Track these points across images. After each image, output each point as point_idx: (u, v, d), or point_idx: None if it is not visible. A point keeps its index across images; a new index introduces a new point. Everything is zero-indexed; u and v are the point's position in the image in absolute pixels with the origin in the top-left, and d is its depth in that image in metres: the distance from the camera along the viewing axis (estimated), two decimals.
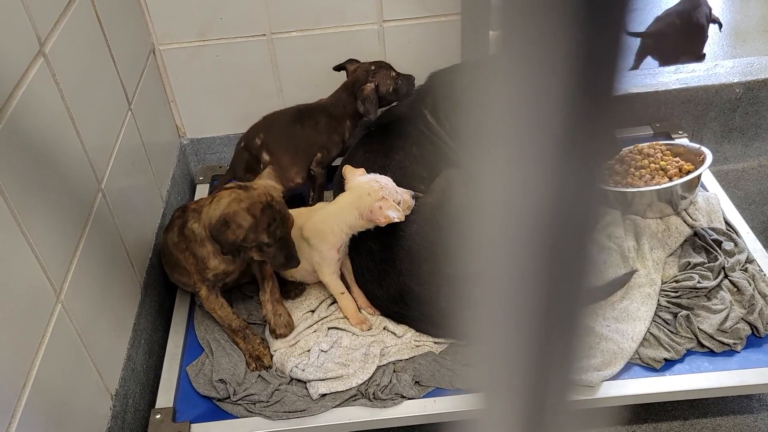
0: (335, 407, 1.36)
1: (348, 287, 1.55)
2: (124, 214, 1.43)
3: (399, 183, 1.48)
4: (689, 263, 1.55)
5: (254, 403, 1.37)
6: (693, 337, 1.42)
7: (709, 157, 1.65)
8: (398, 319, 1.50)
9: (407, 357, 1.43)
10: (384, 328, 1.49)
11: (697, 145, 1.73)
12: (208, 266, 1.39)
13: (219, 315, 1.45)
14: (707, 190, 1.77)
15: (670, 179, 1.64)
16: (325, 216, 1.48)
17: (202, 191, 1.94)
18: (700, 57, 2.64)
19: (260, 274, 1.51)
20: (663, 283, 1.53)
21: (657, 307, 1.47)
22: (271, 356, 1.44)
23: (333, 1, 1.79)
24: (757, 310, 1.44)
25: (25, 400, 0.97)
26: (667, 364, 1.39)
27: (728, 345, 1.41)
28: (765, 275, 1.53)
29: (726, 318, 1.43)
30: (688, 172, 1.65)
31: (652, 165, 1.70)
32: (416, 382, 1.39)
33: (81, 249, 1.20)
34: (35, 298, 1.04)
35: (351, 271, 1.55)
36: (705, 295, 1.49)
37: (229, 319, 1.45)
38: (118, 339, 1.35)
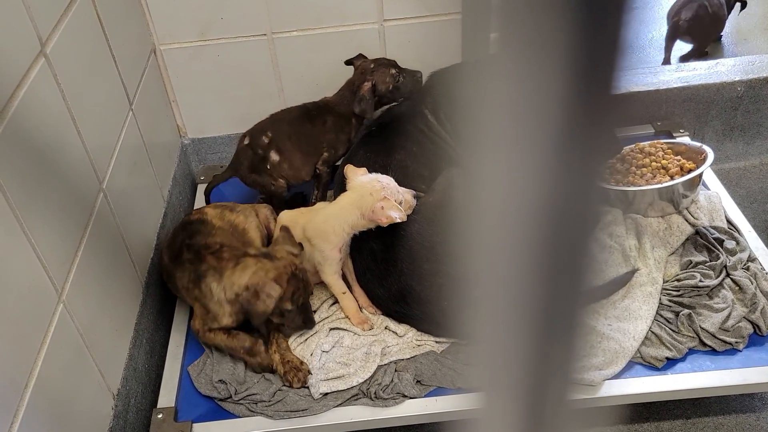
0: (337, 406, 1.36)
1: (349, 287, 1.55)
2: (126, 214, 1.43)
3: (400, 182, 1.48)
4: (691, 262, 1.55)
5: (256, 403, 1.37)
6: (695, 335, 1.42)
7: (711, 156, 1.65)
8: (400, 318, 1.50)
9: (408, 356, 1.43)
10: (385, 328, 1.49)
11: (698, 144, 1.73)
12: (218, 321, 1.39)
13: (227, 345, 1.43)
14: (709, 189, 1.77)
15: (672, 178, 1.64)
16: (326, 216, 1.48)
17: (203, 191, 1.94)
18: (717, 39, 2.76)
19: (266, 327, 1.45)
20: (665, 281, 1.53)
21: (659, 306, 1.47)
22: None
23: (333, 1, 1.79)
24: (759, 309, 1.44)
25: (27, 399, 0.97)
26: (669, 363, 1.39)
27: (730, 344, 1.40)
28: (767, 274, 1.52)
29: (728, 317, 1.43)
30: (690, 171, 1.65)
31: (654, 164, 1.70)
32: (417, 381, 1.39)
33: (82, 249, 1.21)
34: (37, 297, 1.04)
35: (352, 270, 1.55)
36: (707, 294, 1.48)
37: (241, 342, 1.42)
38: (119, 338, 1.35)
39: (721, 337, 1.41)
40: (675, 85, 2.00)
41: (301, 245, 1.50)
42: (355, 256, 1.54)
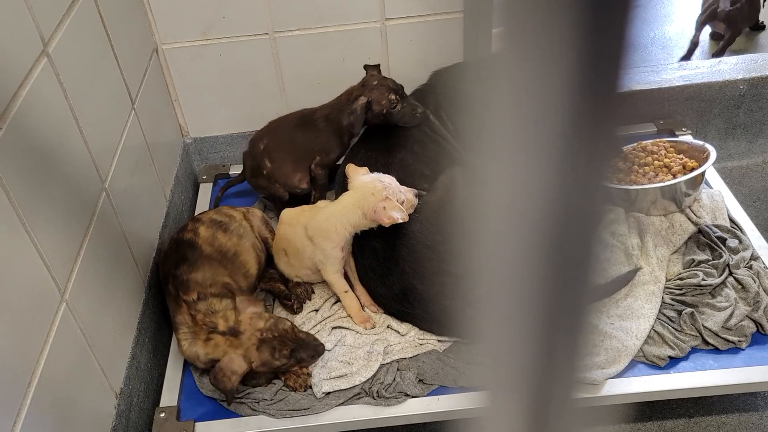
0: (339, 405, 1.36)
1: (351, 286, 1.55)
2: (128, 214, 1.43)
3: (402, 181, 1.48)
4: (693, 260, 1.55)
5: (258, 402, 1.37)
6: (698, 334, 1.42)
7: (713, 154, 1.64)
8: (402, 317, 1.50)
9: (411, 355, 1.43)
10: (388, 327, 1.49)
11: (701, 142, 1.72)
12: (194, 364, 1.41)
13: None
14: (711, 187, 1.76)
15: (674, 176, 1.64)
16: (328, 215, 1.48)
17: (205, 190, 1.95)
18: (760, 28, 2.78)
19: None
20: (667, 280, 1.53)
21: (661, 305, 1.47)
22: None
23: (335, 0, 1.79)
24: (762, 308, 1.44)
25: (30, 398, 0.97)
26: (672, 362, 1.39)
27: (733, 342, 1.40)
28: None
29: (731, 315, 1.43)
30: (692, 169, 1.65)
31: (656, 162, 1.69)
32: (420, 380, 1.39)
33: (85, 248, 1.21)
34: (40, 297, 1.05)
35: (354, 269, 1.55)
36: (709, 293, 1.48)
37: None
38: (122, 338, 1.36)
39: (723, 335, 1.40)
40: (677, 84, 2.00)
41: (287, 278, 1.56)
42: (357, 254, 1.54)
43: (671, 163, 1.68)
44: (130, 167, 1.50)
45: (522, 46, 0.20)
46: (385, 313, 1.52)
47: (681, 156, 1.70)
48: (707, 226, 1.61)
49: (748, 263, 1.54)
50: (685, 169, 1.66)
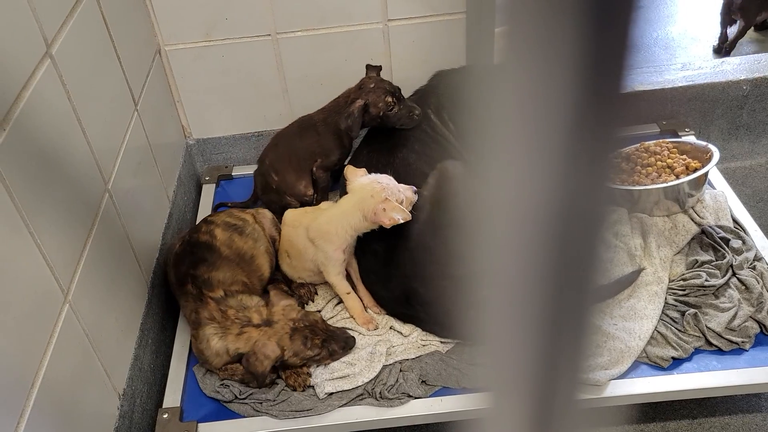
0: (342, 406, 1.36)
1: (354, 287, 1.55)
2: (131, 215, 1.43)
3: (403, 180, 1.48)
4: (697, 261, 1.55)
5: (261, 402, 1.37)
6: (701, 335, 1.41)
7: (716, 155, 1.64)
8: (405, 319, 1.50)
9: (414, 356, 1.43)
10: (390, 328, 1.49)
11: (704, 143, 1.72)
12: (209, 364, 1.40)
13: (222, 376, 1.43)
14: (714, 188, 1.76)
15: (677, 177, 1.64)
16: (329, 218, 1.48)
17: (208, 191, 1.95)
18: None
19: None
20: (670, 281, 1.52)
21: (664, 306, 1.46)
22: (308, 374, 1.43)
23: (338, 1, 1.79)
24: (766, 308, 1.43)
25: (33, 399, 0.97)
26: (675, 363, 1.39)
27: (736, 343, 1.40)
28: None
29: (734, 316, 1.42)
30: (695, 170, 1.64)
31: (659, 163, 1.69)
32: (423, 381, 1.39)
33: (88, 249, 1.21)
34: (43, 298, 1.05)
35: (357, 270, 1.55)
36: (713, 294, 1.48)
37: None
38: (125, 339, 1.36)
39: (727, 336, 1.40)
40: (680, 84, 1.99)
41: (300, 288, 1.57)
42: (359, 257, 1.54)
43: (674, 164, 1.67)
44: (133, 168, 1.50)
45: (525, 46, 0.20)
46: (387, 314, 1.52)
47: (684, 156, 1.70)
48: (710, 227, 1.61)
49: (751, 264, 1.54)
50: (688, 170, 1.65)
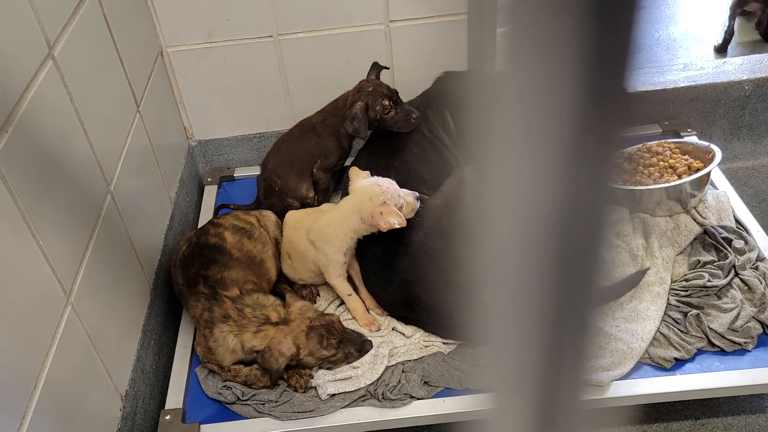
0: (344, 407, 1.36)
1: (356, 289, 1.54)
2: (133, 216, 1.43)
3: (402, 184, 1.47)
4: (699, 261, 1.55)
5: (263, 404, 1.37)
6: (703, 336, 1.41)
7: (719, 155, 1.64)
8: (407, 321, 1.50)
9: (416, 357, 1.43)
10: (393, 329, 1.49)
11: (706, 143, 1.72)
12: (220, 362, 1.40)
13: (226, 378, 1.43)
14: (717, 188, 1.76)
15: (679, 177, 1.64)
16: (329, 220, 1.48)
17: (210, 192, 1.95)
18: None
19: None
20: (673, 281, 1.52)
21: (667, 307, 1.46)
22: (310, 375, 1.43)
23: (339, 2, 1.79)
24: None
25: (36, 401, 0.97)
26: (678, 364, 1.39)
27: (739, 344, 1.40)
28: None
29: (737, 317, 1.42)
30: (698, 170, 1.64)
31: (661, 163, 1.69)
32: (425, 382, 1.39)
33: (90, 251, 1.21)
34: (45, 299, 1.05)
35: (359, 272, 1.55)
36: (715, 294, 1.48)
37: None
38: (127, 340, 1.36)
39: (729, 337, 1.40)
40: (682, 85, 1.99)
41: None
42: (361, 260, 1.54)
43: (676, 164, 1.67)
44: (135, 170, 1.50)
45: (527, 47, 0.20)
46: (389, 315, 1.52)
47: (686, 157, 1.70)
48: (713, 227, 1.60)
49: (754, 264, 1.53)
50: (691, 170, 1.65)
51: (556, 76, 0.19)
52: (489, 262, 0.25)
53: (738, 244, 1.57)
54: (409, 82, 1.87)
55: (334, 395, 1.37)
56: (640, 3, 0.19)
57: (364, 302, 1.53)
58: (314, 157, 1.72)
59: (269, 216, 1.65)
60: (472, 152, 1.60)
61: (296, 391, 1.38)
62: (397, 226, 1.37)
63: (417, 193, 1.46)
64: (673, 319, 1.45)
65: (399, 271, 1.46)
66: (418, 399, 1.37)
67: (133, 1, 1.66)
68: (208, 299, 1.39)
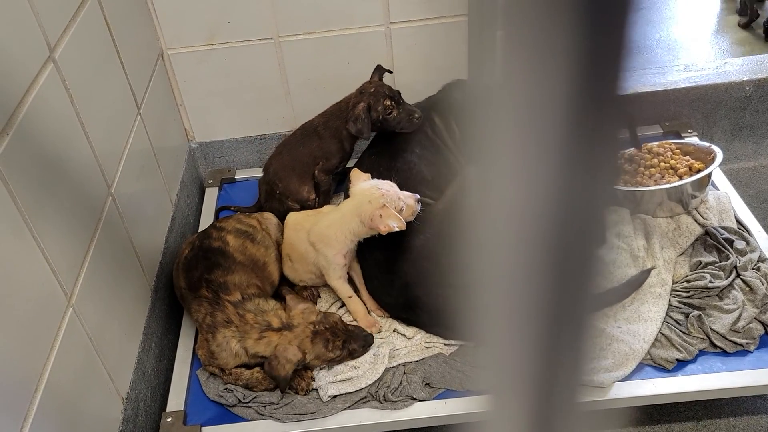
0: (345, 409, 1.36)
1: (357, 291, 1.54)
2: (134, 218, 1.43)
3: (403, 186, 1.47)
4: (700, 262, 1.54)
5: (265, 406, 1.37)
6: (705, 337, 1.41)
7: (720, 156, 1.64)
8: (408, 323, 1.50)
9: (417, 359, 1.43)
10: (394, 330, 1.49)
11: (707, 144, 1.72)
12: (223, 365, 1.40)
13: (227, 381, 1.43)
14: (718, 189, 1.76)
15: (680, 178, 1.63)
16: (329, 222, 1.48)
17: (211, 194, 1.95)
18: None
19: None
20: (674, 283, 1.52)
21: (668, 308, 1.46)
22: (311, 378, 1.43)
23: (340, 4, 1.79)
24: None
25: (37, 403, 0.97)
26: (680, 365, 1.38)
27: (741, 345, 1.39)
28: None
29: (738, 318, 1.42)
30: (699, 171, 1.64)
31: (662, 164, 1.69)
32: (426, 383, 1.39)
33: (91, 253, 1.21)
34: (46, 302, 1.05)
35: (360, 273, 1.55)
36: (717, 295, 1.47)
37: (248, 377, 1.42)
38: (128, 343, 1.36)
39: (731, 338, 1.40)
40: (683, 85, 1.99)
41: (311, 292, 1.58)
42: (362, 264, 1.54)
43: (677, 165, 1.67)
44: (136, 172, 1.50)
45: (521, 49, 0.20)
46: (391, 317, 1.52)
47: (687, 158, 1.70)
48: (714, 228, 1.60)
49: (755, 265, 1.53)
50: (692, 171, 1.65)
51: (551, 78, 0.19)
52: (487, 264, 0.25)
53: (739, 244, 1.56)
54: (409, 83, 1.87)
55: (335, 397, 1.37)
56: (635, 4, 0.19)
57: (365, 304, 1.53)
58: (316, 159, 1.72)
59: (270, 219, 1.66)
60: (472, 156, 1.60)
61: (297, 393, 1.38)
62: (397, 230, 1.37)
63: (418, 196, 1.45)
64: (675, 320, 1.45)
65: (400, 275, 1.46)
66: (420, 400, 1.37)
67: (133, 4, 1.66)
68: (211, 304, 1.39)
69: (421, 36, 1.86)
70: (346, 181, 1.69)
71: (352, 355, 1.41)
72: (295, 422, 1.35)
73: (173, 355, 1.52)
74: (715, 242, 1.58)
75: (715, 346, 1.40)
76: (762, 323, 1.42)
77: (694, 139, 1.90)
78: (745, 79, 1.99)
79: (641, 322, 1.43)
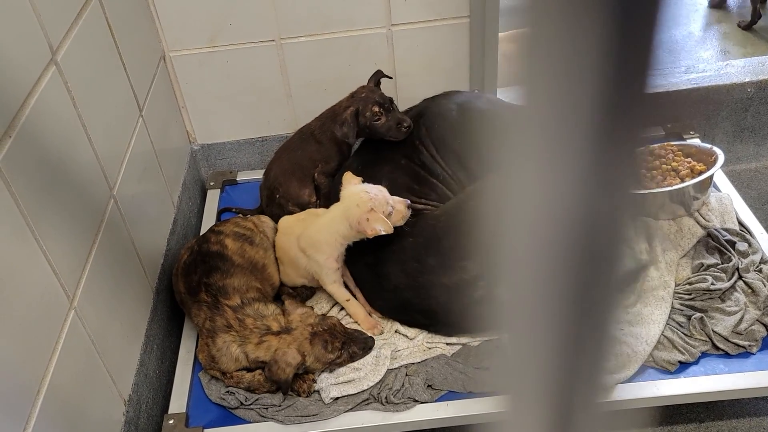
0: (347, 411, 1.36)
1: (354, 294, 1.55)
2: (136, 220, 1.43)
3: (392, 193, 1.46)
4: (702, 264, 1.54)
5: (267, 408, 1.37)
6: (707, 339, 1.41)
7: (721, 158, 1.64)
8: (409, 325, 1.50)
9: (419, 360, 1.42)
10: (396, 331, 1.49)
11: (708, 146, 1.72)
12: (223, 369, 1.40)
13: (228, 384, 1.43)
14: (720, 191, 1.75)
15: (682, 180, 1.63)
16: (319, 227, 1.48)
17: (213, 197, 1.95)
18: None
19: None
20: (676, 285, 1.52)
21: (671, 310, 1.46)
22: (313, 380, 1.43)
23: (341, 6, 1.79)
24: None
25: (39, 406, 0.97)
26: (682, 367, 1.38)
27: (743, 347, 1.39)
28: None
29: (740, 320, 1.42)
30: (700, 173, 1.64)
31: (664, 166, 1.69)
32: (429, 385, 1.38)
33: (93, 255, 1.21)
34: (48, 304, 1.05)
35: (351, 278, 1.55)
36: (719, 297, 1.47)
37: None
38: (130, 345, 1.36)
39: (734, 340, 1.39)
40: (685, 87, 1.99)
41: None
42: (351, 268, 1.54)
43: (679, 167, 1.67)
44: (138, 174, 1.50)
45: (545, 49, 0.20)
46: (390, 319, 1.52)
47: (689, 159, 1.69)
48: (716, 230, 1.60)
49: (757, 267, 1.53)
50: (693, 173, 1.65)
51: (576, 77, 0.19)
52: (510, 265, 0.24)
53: (741, 246, 1.56)
54: (410, 85, 1.87)
55: (337, 399, 1.37)
56: (664, 4, 0.19)
57: (363, 306, 1.53)
58: (315, 162, 1.72)
59: (267, 221, 1.66)
60: (489, 164, 1.58)
61: (299, 395, 1.38)
62: (383, 233, 1.37)
63: (408, 201, 1.45)
64: (677, 322, 1.45)
65: (389, 278, 1.46)
66: (422, 402, 1.36)
67: (135, 6, 1.66)
68: (210, 308, 1.39)
69: (422, 38, 1.86)
70: (337, 183, 1.69)
71: (353, 357, 1.41)
72: (297, 424, 1.35)
73: (175, 357, 1.52)
74: (717, 244, 1.58)
75: (717, 348, 1.40)
76: (764, 325, 1.42)
77: (695, 141, 1.90)
78: (746, 80, 1.99)
79: (644, 324, 1.42)
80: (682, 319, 1.45)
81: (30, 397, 0.96)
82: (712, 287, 1.47)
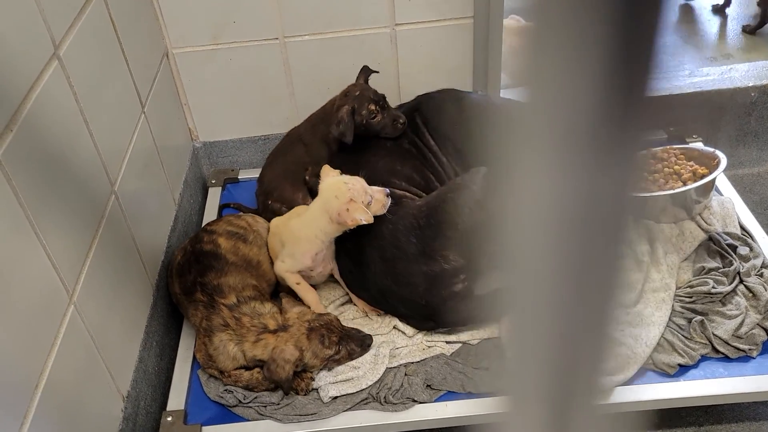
0: (346, 411, 1.36)
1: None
2: (137, 217, 1.43)
3: (371, 179, 1.46)
4: (704, 268, 1.54)
5: (265, 406, 1.37)
6: (708, 342, 1.41)
7: (724, 161, 1.63)
8: (402, 318, 1.50)
9: (418, 359, 1.42)
10: (394, 327, 1.49)
11: (711, 149, 1.71)
12: (221, 368, 1.39)
13: (227, 383, 1.43)
14: (722, 195, 1.75)
15: (684, 183, 1.63)
16: (300, 224, 1.48)
17: (214, 194, 1.95)
18: None
19: None
20: (677, 288, 1.51)
21: (671, 313, 1.46)
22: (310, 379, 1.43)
23: (345, 5, 1.79)
24: None
25: (38, 401, 0.97)
26: (682, 370, 1.38)
27: (743, 351, 1.39)
28: None
29: (741, 323, 1.41)
30: (703, 177, 1.63)
31: (666, 169, 1.69)
32: (428, 385, 1.38)
33: (94, 251, 1.21)
34: (48, 299, 1.05)
35: (340, 277, 1.56)
36: (720, 301, 1.47)
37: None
38: (130, 341, 1.36)
39: (734, 344, 1.39)
40: (688, 91, 1.99)
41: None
42: (336, 259, 1.54)
43: (681, 170, 1.67)
44: (140, 170, 1.50)
45: (550, 48, 0.19)
46: (375, 309, 1.52)
47: (691, 163, 1.69)
48: (718, 234, 1.60)
49: (758, 271, 1.53)
50: (696, 177, 1.65)
51: (579, 80, 0.19)
52: (509, 265, 0.24)
53: (743, 250, 1.56)
54: (413, 85, 1.87)
55: (336, 398, 1.37)
56: (666, 5, 0.19)
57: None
58: (306, 164, 1.72)
59: (261, 221, 1.66)
60: (485, 157, 1.59)
61: (298, 393, 1.38)
62: (364, 223, 1.37)
63: (388, 190, 1.45)
64: (678, 325, 1.44)
65: (369, 265, 1.46)
66: (421, 402, 1.36)
67: (139, 2, 1.66)
68: (206, 307, 1.39)
69: (426, 37, 1.86)
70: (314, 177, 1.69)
71: (351, 355, 1.41)
72: (296, 423, 1.34)
73: (174, 354, 1.51)
74: (718, 248, 1.58)
75: (717, 351, 1.40)
76: (765, 329, 1.42)
77: (698, 145, 1.89)
78: (750, 84, 1.98)
79: (644, 326, 1.42)
80: (682, 322, 1.44)
81: (28, 392, 0.96)
82: (713, 291, 1.47)
